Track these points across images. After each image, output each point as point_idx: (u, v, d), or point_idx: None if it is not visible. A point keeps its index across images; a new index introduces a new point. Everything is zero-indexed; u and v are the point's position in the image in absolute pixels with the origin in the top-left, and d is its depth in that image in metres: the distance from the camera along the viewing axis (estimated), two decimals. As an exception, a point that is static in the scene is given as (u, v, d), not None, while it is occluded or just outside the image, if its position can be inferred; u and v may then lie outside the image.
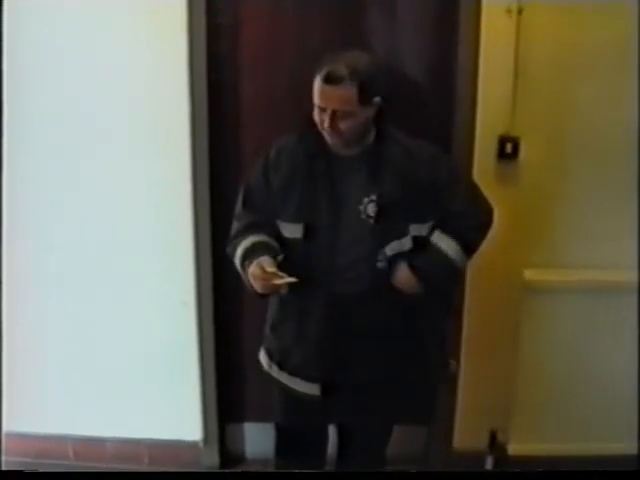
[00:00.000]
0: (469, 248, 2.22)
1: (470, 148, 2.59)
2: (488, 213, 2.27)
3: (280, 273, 2.06)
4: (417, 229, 2.17)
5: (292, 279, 2.05)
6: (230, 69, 2.67)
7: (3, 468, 2.45)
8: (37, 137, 2.65)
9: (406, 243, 2.16)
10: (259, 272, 2.07)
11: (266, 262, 2.09)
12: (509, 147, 2.56)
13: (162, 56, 2.58)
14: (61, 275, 2.78)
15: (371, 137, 2.16)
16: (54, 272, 2.78)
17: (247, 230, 2.23)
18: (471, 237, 2.23)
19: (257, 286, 2.10)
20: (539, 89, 2.54)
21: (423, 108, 2.66)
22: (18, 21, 2.50)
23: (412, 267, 2.15)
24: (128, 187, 2.70)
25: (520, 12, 2.46)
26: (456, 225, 2.18)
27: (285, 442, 2.50)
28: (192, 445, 2.89)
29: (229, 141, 2.73)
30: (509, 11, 2.45)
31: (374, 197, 2.10)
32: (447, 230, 2.18)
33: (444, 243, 2.17)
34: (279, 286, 2.08)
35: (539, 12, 2.47)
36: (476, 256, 2.57)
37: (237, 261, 2.21)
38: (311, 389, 2.24)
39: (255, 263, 2.10)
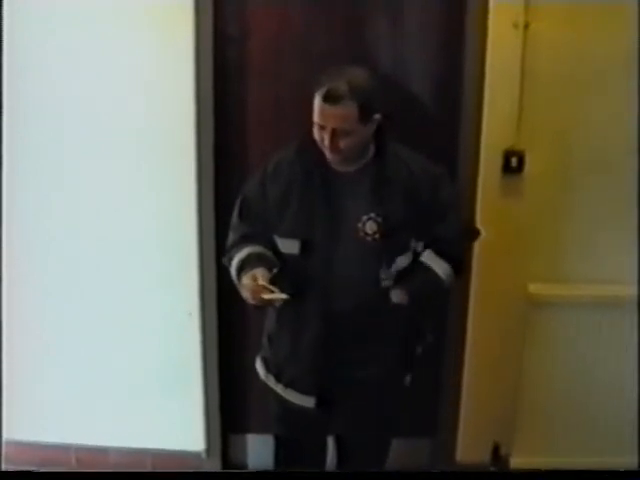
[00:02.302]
0: (459, 269, 2.24)
1: (475, 162, 2.59)
2: (474, 233, 2.35)
3: (271, 287, 2.03)
4: (415, 245, 2.18)
5: (282, 296, 2.03)
6: (236, 78, 2.67)
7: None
8: (38, 139, 2.65)
9: (406, 259, 2.16)
10: (250, 284, 2.06)
11: (260, 273, 2.07)
12: (514, 161, 2.56)
13: (168, 64, 2.58)
14: (64, 283, 2.78)
15: (370, 153, 2.14)
16: (56, 280, 2.78)
17: (243, 241, 2.22)
18: (461, 258, 2.29)
19: (248, 298, 2.09)
20: (545, 103, 2.54)
21: (429, 121, 2.67)
22: (18, 23, 2.51)
23: (405, 288, 2.16)
24: (132, 196, 2.70)
25: (527, 26, 2.46)
26: (447, 247, 2.19)
27: (284, 454, 2.50)
28: (195, 455, 2.88)
29: (235, 150, 2.73)
30: (516, 25, 2.46)
31: (373, 215, 2.08)
32: (439, 251, 2.18)
33: (436, 264, 2.17)
34: (270, 300, 2.06)
35: (545, 26, 2.47)
36: (481, 269, 2.61)
37: (233, 272, 2.20)
38: (306, 402, 2.23)
39: (249, 274, 2.08)
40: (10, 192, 2.52)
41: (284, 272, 2.12)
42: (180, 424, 2.87)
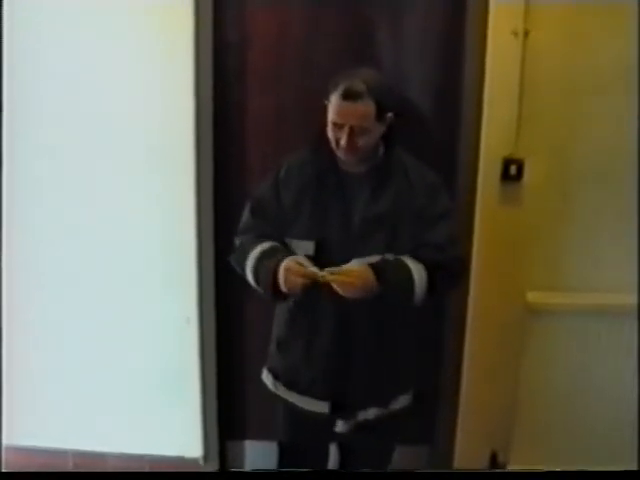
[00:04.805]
0: (436, 279, 2.10)
1: (474, 170, 2.59)
2: (461, 261, 2.26)
3: (313, 268, 2.04)
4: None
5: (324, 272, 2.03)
6: (236, 85, 2.67)
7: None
8: (36, 140, 2.65)
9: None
10: (294, 265, 2.05)
11: (302, 258, 2.08)
12: (513, 169, 2.56)
13: (168, 66, 2.58)
14: (63, 289, 2.78)
15: (379, 155, 2.17)
16: (55, 286, 2.78)
17: (259, 238, 2.21)
18: (440, 267, 2.11)
19: (289, 281, 2.05)
20: (544, 111, 2.54)
21: (428, 129, 2.66)
22: (17, 23, 2.51)
23: (372, 265, 2.05)
24: (131, 202, 2.70)
25: (526, 34, 2.46)
26: (428, 253, 2.11)
27: (288, 460, 2.50)
28: (192, 462, 2.89)
29: (234, 155, 2.73)
30: (515, 33, 2.45)
31: (369, 214, 2.11)
32: (418, 256, 2.10)
33: (412, 264, 2.08)
34: (310, 282, 2.05)
35: (545, 34, 2.47)
36: (479, 277, 2.60)
37: (250, 263, 2.17)
38: (320, 407, 2.24)
39: (291, 258, 2.07)
40: (9, 193, 2.54)
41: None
42: (178, 430, 2.87)
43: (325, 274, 2.02)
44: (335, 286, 2.02)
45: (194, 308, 2.75)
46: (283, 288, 2.08)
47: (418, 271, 2.08)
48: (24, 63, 2.57)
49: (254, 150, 2.73)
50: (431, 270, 2.09)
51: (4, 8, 2.41)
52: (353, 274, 2.03)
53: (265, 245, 2.17)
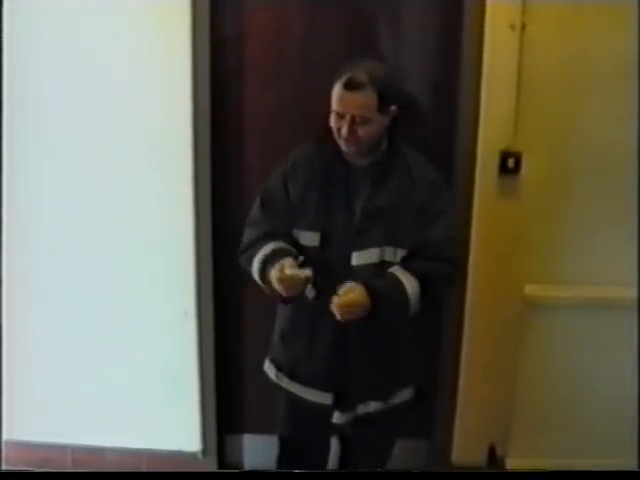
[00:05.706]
0: (426, 290, 2.11)
1: (472, 162, 2.60)
2: (453, 262, 2.23)
3: (298, 272, 2.02)
4: (390, 252, 2.15)
5: (307, 272, 2.03)
6: (235, 83, 2.69)
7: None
8: (36, 139, 2.66)
9: (373, 258, 2.14)
10: (278, 274, 2.04)
11: (287, 263, 2.06)
12: (511, 162, 2.57)
13: (168, 71, 2.59)
14: (61, 284, 2.79)
15: (382, 149, 2.18)
16: (54, 280, 2.79)
17: (265, 238, 2.21)
18: (432, 279, 2.13)
19: (281, 289, 2.06)
20: (542, 104, 2.55)
21: (426, 122, 2.67)
22: (17, 23, 2.52)
23: (368, 288, 2.05)
24: (129, 197, 2.70)
25: (523, 28, 2.47)
26: (422, 260, 2.12)
27: (288, 454, 2.50)
28: (191, 456, 2.88)
29: (233, 155, 2.74)
30: (512, 27, 2.47)
31: (370, 207, 2.12)
32: (411, 265, 2.12)
33: (403, 276, 2.10)
34: (303, 285, 2.06)
35: (542, 28, 2.48)
36: (477, 270, 2.61)
37: (255, 268, 2.18)
38: (323, 398, 2.24)
39: (276, 266, 2.07)
40: (9, 193, 2.53)
41: (305, 265, 2.11)
42: (176, 424, 2.87)
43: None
44: (334, 311, 2.03)
45: (192, 302, 2.75)
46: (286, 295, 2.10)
47: (411, 284, 2.09)
48: (24, 63, 2.58)
49: (252, 148, 2.74)
50: (423, 279, 2.10)
51: (4, 8, 2.42)
52: (352, 299, 2.03)
53: (266, 249, 2.17)
